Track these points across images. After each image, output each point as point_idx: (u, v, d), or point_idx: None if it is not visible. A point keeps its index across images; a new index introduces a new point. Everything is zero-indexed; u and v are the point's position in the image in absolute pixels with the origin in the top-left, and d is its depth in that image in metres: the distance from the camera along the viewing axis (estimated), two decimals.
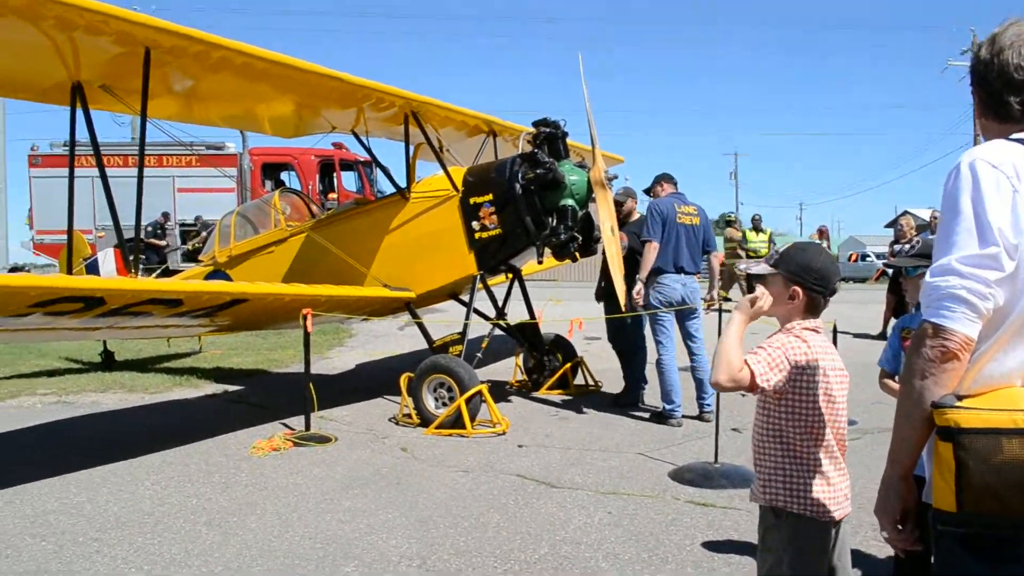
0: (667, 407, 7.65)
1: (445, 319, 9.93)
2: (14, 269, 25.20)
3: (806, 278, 2.68)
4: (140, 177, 7.02)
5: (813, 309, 2.70)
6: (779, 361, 2.56)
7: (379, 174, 21.93)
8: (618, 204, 8.58)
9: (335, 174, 22.07)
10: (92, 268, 11.20)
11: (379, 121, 9.02)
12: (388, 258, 8.46)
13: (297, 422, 7.54)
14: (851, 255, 43.62)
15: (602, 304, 8.83)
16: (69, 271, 7.82)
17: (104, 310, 6.11)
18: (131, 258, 7.13)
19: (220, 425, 7.67)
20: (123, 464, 6.46)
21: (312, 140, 10.42)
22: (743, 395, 8.03)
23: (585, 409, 8.37)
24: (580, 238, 7.91)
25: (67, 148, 21.87)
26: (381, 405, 8.60)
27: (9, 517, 5.26)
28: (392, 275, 8.38)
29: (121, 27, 6.02)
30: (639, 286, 7.65)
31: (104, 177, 7.09)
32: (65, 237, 18.48)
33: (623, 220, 8.64)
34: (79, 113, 7.05)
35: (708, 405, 7.65)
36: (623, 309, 7.73)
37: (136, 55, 6.40)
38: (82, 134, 7.20)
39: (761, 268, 2.77)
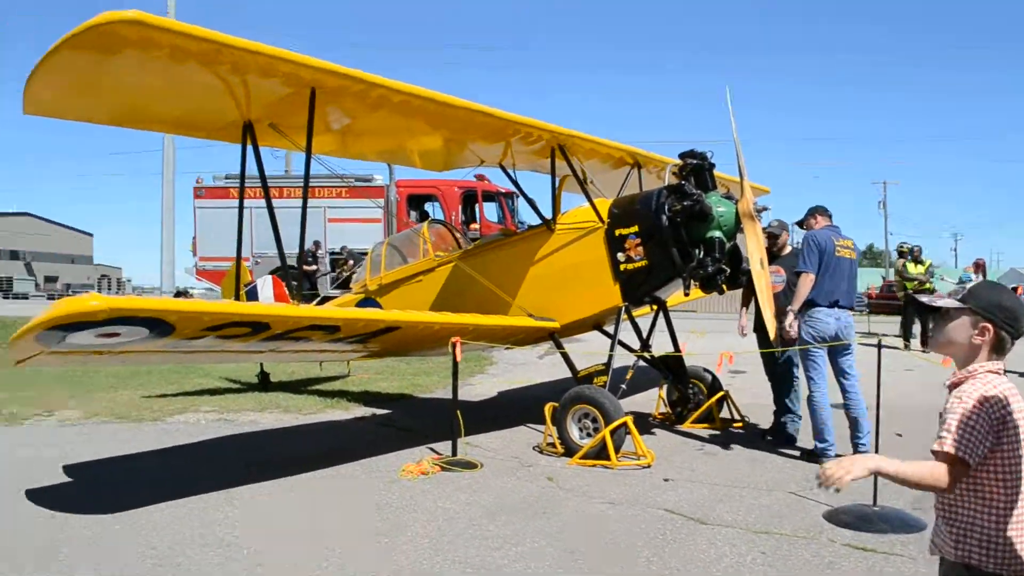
0: (819, 445, 7.39)
1: (587, 349, 9.96)
2: (179, 294, 26.94)
3: (997, 315, 2.54)
4: (304, 208, 7.40)
5: (999, 349, 2.57)
6: (976, 429, 2.42)
7: (520, 205, 22.38)
8: (773, 236, 8.43)
9: (477, 205, 22.59)
10: (252, 294, 11.81)
11: (526, 154, 9.21)
12: (533, 288, 8.58)
13: (443, 447, 7.71)
14: (1015, 288, 40.97)
15: (751, 337, 8.66)
16: (237, 297, 8.29)
17: (269, 335, 6.47)
18: (293, 285, 7.51)
19: (370, 447, 7.93)
20: (281, 481, 6.77)
21: (455, 172, 10.69)
22: (899, 435, 7.68)
23: (731, 444, 8.20)
24: (728, 270, 7.81)
25: (228, 180, 23.58)
26: (524, 433, 8.69)
27: (181, 527, 5.60)
28: (537, 305, 8.49)
29: (290, 69, 6.41)
30: (791, 317, 7.44)
31: (271, 209, 7.52)
32: (225, 264, 19.72)
33: (777, 253, 8.47)
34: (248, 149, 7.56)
35: (864, 445, 7.34)
36: (772, 343, 7.55)
37: (302, 95, 6.79)
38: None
39: (948, 302, 2.65)
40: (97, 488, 6.76)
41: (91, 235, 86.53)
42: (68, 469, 7.23)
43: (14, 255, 72.75)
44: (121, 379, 12.54)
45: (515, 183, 9.72)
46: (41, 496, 6.34)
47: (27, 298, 46.46)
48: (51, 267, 74.52)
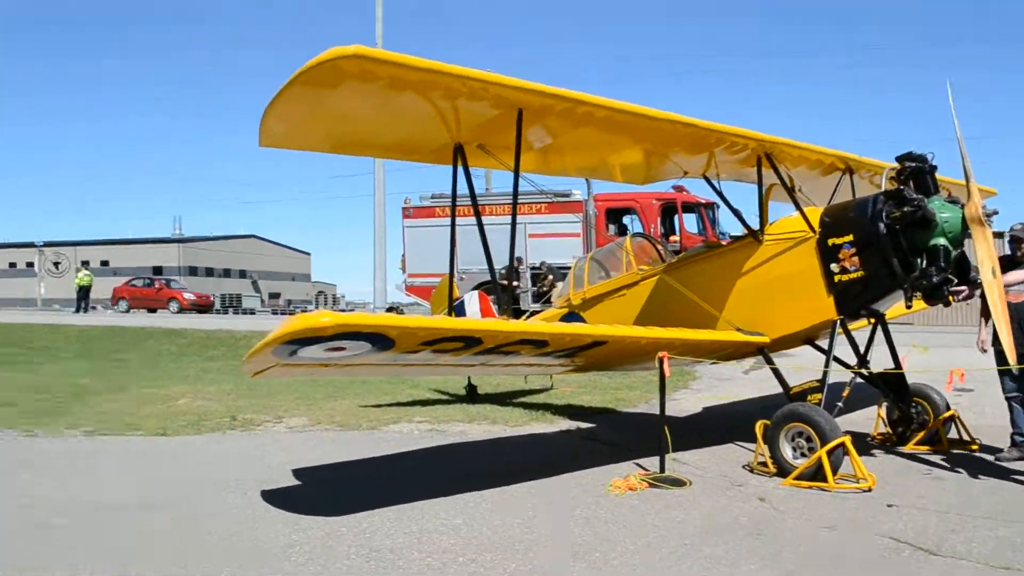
0: None
1: (797, 364, 9.57)
2: (391, 309, 28.39)
3: None
4: (513, 225, 7.63)
5: None
6: None
7: (721, 215, 21.94)
8: (1018, 240, 7.82)
9: (676, 217, 22.35)
10: (459, 309, 12.22)
11: (730, 164, 9.01)
12: (740, 302, 8.36)
13: (650, 463, 7.65)
14: None
15: (990, 352, 8.00)
16: (450, 313, 8.62)
17: (480, 349, 6.69)
18: (501, 300, 7.73)
19: (576, 460, 8.00)
20: (492, 491, 6.96)
21: (654, 184, 10.62)
22: None
23: (961, 469, 7.61)
24: (954, 280, 7.28)
25: (434, 200, 24.63)
26: (733, 451, 8.47)
27: (399, 533, 5.87)
28: (745, 319, 8.26)
29: (499, 91, 6.62)
30: None
31: (481, 227, 7.77)
32: (432, 280, 20.59)
33: (1021, 259, 7.83)
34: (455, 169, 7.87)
35: None
36: (1009, 358, 6.95)
37: (510, 115, 7.00)
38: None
39: None
40: (323, 491, 7.23)
41: (308, 254, 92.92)
42: (297, 472, 7.78)
43: (242, 274, 79.37)
44: (339, 389, 13.31)
45: (719, 193, 9.53)
46: (275, 497, 6.87)
47: (254, 313, 50.29)
48: (274, 284, 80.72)
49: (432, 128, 7.41)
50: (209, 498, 6.87)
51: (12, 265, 74.41)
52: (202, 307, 42.23)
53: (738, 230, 9.11)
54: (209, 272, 75.30)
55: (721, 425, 9.95)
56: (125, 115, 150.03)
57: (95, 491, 7.16)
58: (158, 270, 67.01)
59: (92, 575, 5.08)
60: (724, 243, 10.03)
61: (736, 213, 9.02)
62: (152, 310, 40.63)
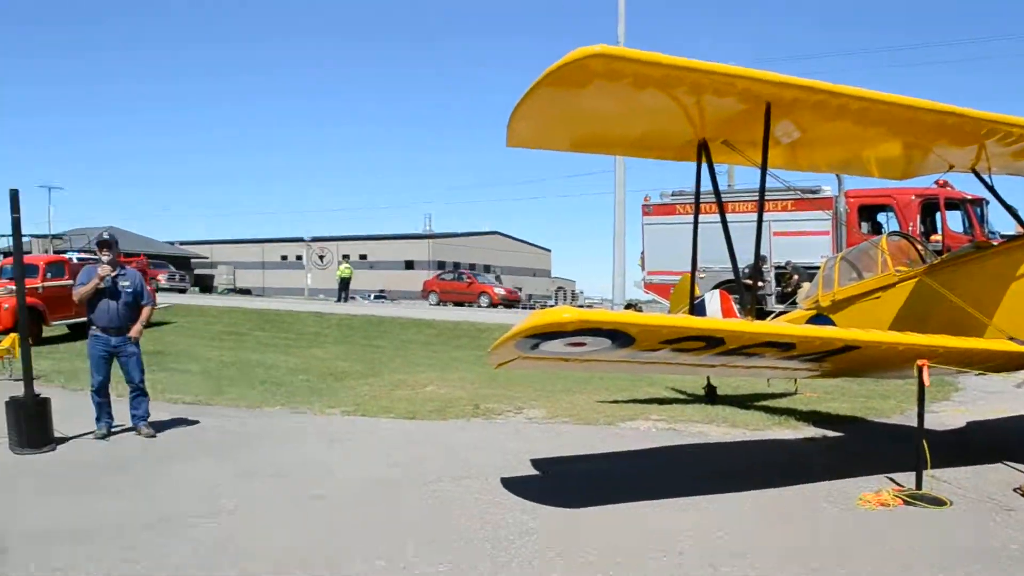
0: None
1: None
2: (629, 306, 28.46)
3: None
4: (759, 223, 7.41)
5: None
6: None
7: (991, 213, 20.02)
8: None
9: (939, 214, 20.67)
10: (699, 308, 12.01)
11: (1005, 156, 8.19)
12: (1014, 308, 7.59)
13: (904, 478, 7.14)
14: None
15: None
16: (691, 311, 8.52)
17: (722, 350, 6.55)
18: (744, 300, 7.52)
19: (821, 470, 7.62)
20: (731, 496, 6.81)
21: (913, 179, 9.90)
22: None
23: None
24: None
25: (674, 197, 24.40)
26: (1001, 472, 7.71)
27: (634, 530, 5.91)
28: (1019, 327, 7.49)
29: (747, 85, 6.44)
30: None
31: (725, 225, 7.63)
32: (670, 278, 20.42)
33: None
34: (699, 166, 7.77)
35: None
36: None
37: (757, 110, 6.79)
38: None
39: None
40: (560, 482, 7.41)
41: (549, 251, 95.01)
42: (535, 463, 8.02)
43: (487, 268, 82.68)
44: (577, 383, 13.51)
45: (991, 189, 8.72)
46: (514, 484, 7.13)
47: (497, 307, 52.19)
48: (516, 279, 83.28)
49: (676, 125, 7.35)
50: (452, 481, 7.24)
51: (283, 258, 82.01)
52: (511, 302, 40.53)
53: (1012, 229, 8.26)
54: (456, 266, 79.20)
55: (988, 442, 9.12)
56: (379, 120, 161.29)
57: (351, 469, 7.79)
58: (410, 264, 71.25)
59: (349, 548, 5.52)
60: (995, 243, 9.15)
61: (1011, 210, 8.23)
62: (461, 304, 39.65)
